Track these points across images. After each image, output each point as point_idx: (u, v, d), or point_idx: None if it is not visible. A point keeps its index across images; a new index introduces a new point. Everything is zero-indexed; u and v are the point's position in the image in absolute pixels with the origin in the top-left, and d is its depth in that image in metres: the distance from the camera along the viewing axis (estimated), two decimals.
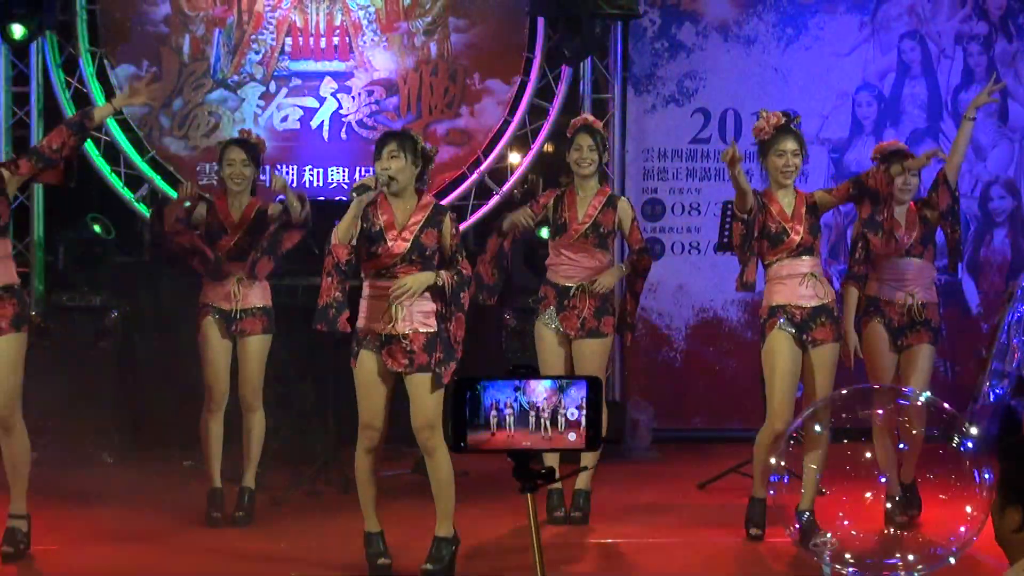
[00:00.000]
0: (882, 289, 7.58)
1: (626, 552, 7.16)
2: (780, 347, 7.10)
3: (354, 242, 6.30)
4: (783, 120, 7.16)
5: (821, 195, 7.32)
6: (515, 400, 3.46)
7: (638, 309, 7.97)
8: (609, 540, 7.32)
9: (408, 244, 6.33)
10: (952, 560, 5.83)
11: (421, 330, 6.31)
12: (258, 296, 7.57)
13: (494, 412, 3.46)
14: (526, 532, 7.22)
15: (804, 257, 7.15)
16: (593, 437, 3.51)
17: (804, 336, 7.09)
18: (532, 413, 3.47)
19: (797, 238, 7.11)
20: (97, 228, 9.35)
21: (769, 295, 7.21)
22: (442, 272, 6.32)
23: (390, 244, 6.33)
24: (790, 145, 7.11)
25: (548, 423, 3.47)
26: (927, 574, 5.88)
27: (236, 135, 7.86)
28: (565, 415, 3.47)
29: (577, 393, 3.49)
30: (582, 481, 7.56)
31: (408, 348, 6.30)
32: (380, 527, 6.54)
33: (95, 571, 6.66)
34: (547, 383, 3.49)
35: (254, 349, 7.55)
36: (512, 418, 3.47)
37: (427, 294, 6.32)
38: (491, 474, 8.32)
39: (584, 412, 3.50)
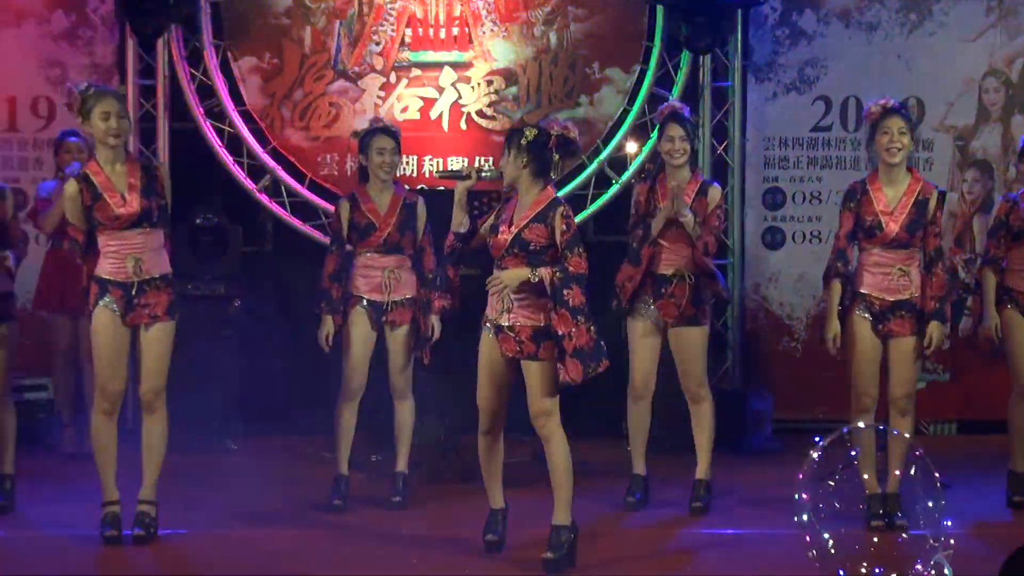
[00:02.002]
0: (1011, 278, 7.57)
1: (746, 543, 7.10)
2: (859, 330, 7.14)
3: (461, 230, 6.54)
4: (891, 103, 7.10)
5: None
6: None
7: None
8: (730, 531, 7.28)
9: (510, 238, 6.38)
10: None
11: (527, 323, 6.36)
12: (408, 287, 7.64)
13: None
14: (645, 529, 7.28)
15: (898, 250, 7.09)
16: None
17: (880, 326, 7.11)
18: None
19: (892, 232, 7.04)
20: (200, 220, 9.46)
21: (856, 281, 7.20)
22: (540, 268, 6.28)
23: (499, 236, 6.41)
24: (895, 123, 7.03)
25: None
26: None
27: (370, 123, 7.77)
28: None
29: None
30: (702, 471, 7.51)
31: (517, 339, 6.37)
32: (500, 504, 6.67)
33: (222, 554, 6.77)
34: None
35: (403, 340, 7.63)
36: None
37: (536, 289, 6.33)
38: (606, 465, 8.38)
39: None
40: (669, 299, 7.44)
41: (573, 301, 6.22)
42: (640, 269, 7.41)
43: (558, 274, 6.25)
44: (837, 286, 7.19)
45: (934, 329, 7.04)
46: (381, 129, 7.63)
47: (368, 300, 7.58)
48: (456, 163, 9.97)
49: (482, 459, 6.62)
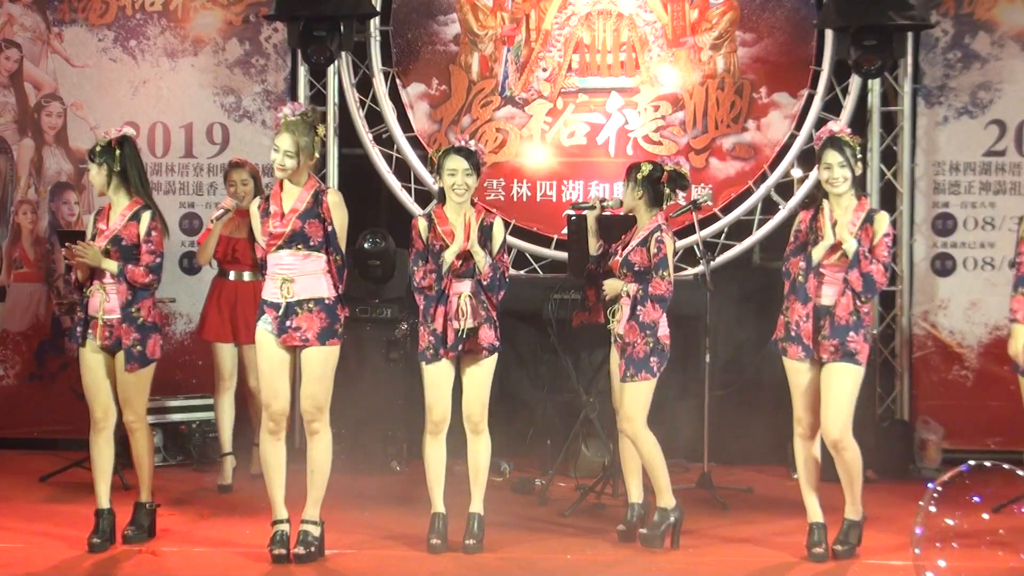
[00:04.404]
0: None
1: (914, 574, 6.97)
2: None
3: (595, 253, 7.60)
4: None
5: None
6: None
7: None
8: (896, 562, 7.15)
9: (620, 260, 7.33)
10: None
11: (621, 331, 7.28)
12: (484, 316, 7.42)
13: None
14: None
15: None
16: None
17: None
18: None
19: None
20: (367, 244, 9.56)
21: None
22: (631, 285, 7.23)
23: (615, 259, 7.42)
24: None
25: None
26: None
27: (454, 145, 7.41)
28: None
29: None
30: (850, 511, 7.20)
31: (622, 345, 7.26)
32: (637, 499, 7.55)
33: (386, 574, 6.84)
34: None
35: (478, 370, 7.28)
36: None
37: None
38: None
39: None
40: (825, 330, 6.96)
41: (644, 317, 7.16)
42: (810, 304, 6.96)
43: (640, 291, 7.19)
44: None
45: None
46: (454, 149, 7.34)
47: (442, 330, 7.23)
48: (621, 188, 9.95)
49: (622, 455, 7.57)
